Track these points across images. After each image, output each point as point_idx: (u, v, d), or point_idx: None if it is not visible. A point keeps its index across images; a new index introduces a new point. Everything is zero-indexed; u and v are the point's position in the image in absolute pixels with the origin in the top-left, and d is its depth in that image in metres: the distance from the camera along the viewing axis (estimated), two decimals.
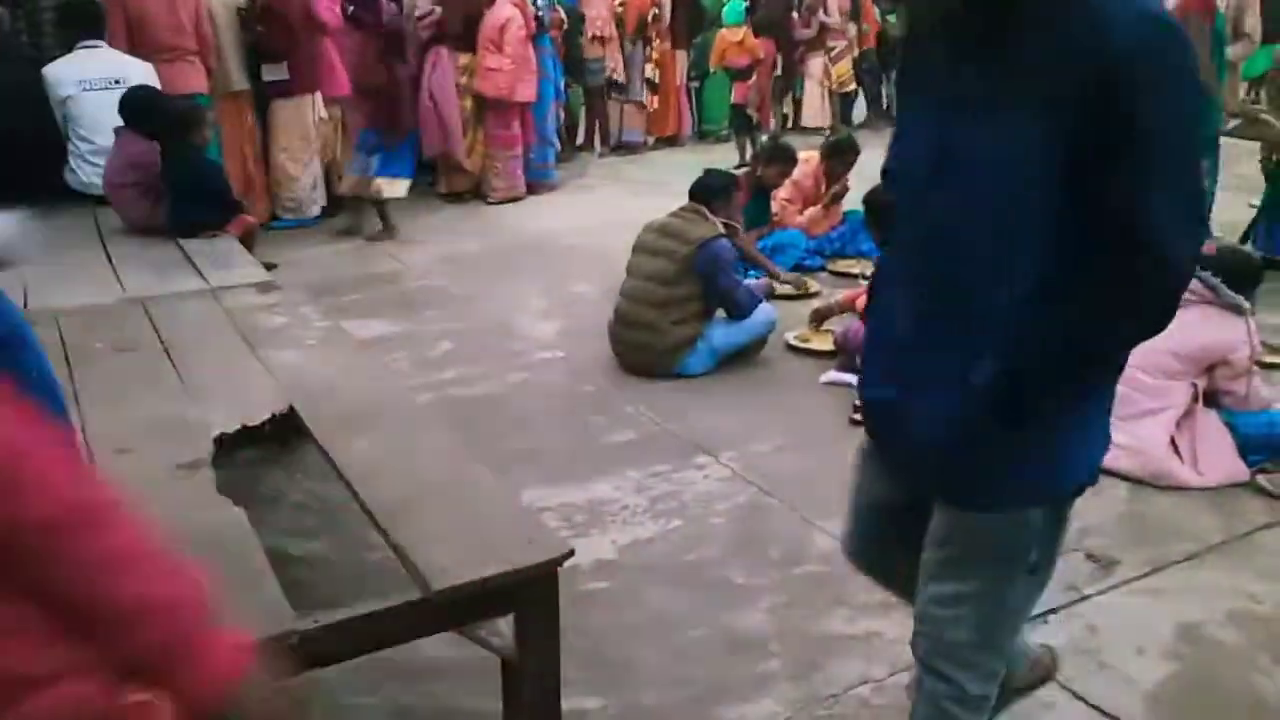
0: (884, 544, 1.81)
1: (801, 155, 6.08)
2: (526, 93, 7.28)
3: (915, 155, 1.51)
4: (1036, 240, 1.38)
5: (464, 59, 7.22)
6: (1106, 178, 1.31)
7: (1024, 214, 1.37)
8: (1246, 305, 3.38)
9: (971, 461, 1.48)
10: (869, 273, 5.28)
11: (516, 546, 1.77)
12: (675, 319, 4.03)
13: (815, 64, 10.42)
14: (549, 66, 7.77)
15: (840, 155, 5.92)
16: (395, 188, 6.36)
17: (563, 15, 8.15)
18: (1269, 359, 4.17)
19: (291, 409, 2.49)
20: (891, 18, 10.51)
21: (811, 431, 3.68)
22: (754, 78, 9.18)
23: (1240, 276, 3.41)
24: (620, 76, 9.13)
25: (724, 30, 9.24)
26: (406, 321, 4.90)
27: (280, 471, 3.19)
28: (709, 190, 4.21)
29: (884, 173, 1.67)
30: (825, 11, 10.21)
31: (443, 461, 2.20)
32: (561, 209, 7.33)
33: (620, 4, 9.12)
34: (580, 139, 9.60)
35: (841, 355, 4.26)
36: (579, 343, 4.55)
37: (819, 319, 4.52)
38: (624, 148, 9.48)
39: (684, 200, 4.27)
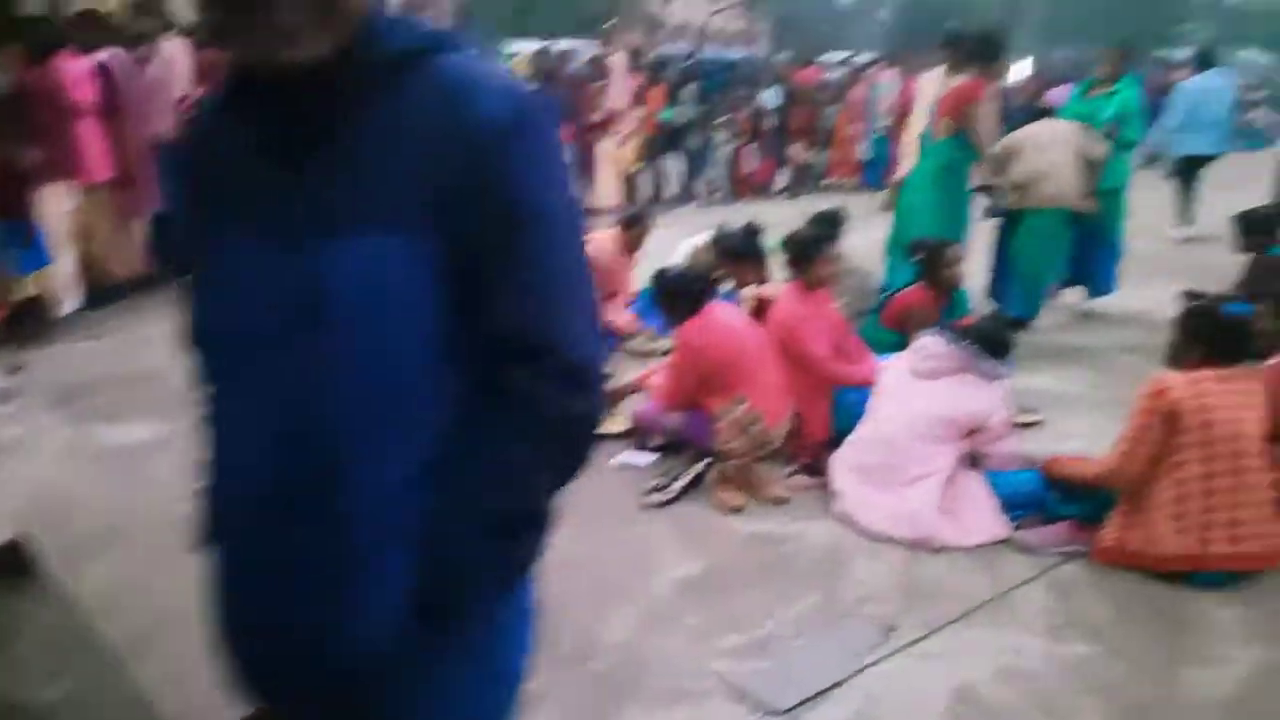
0: None
1: (595, 236, 6.19)
2: None
3: (240, 308, 1.09)
4: (427, 393, 1.07)
5: None
6: (495, 287, 1.05)
7: (406, 364, 1.06)
8: (1001, 371, 3.64)
9: (397, 687, 1.11)
10: (665, 349, 5.38)
11: None
12: None
13: (606, 146, 10.76)
14: None
15: (635, 222, 6.14)
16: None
17: None
18: (1023, 419, 4.51)
19: (14, 541, 2.23)
20: (668, 112, 11.05)
21: (602, 516, 3.63)
22: None
23: (994, 345, 3.67)
24: None
25: None
26: (173, 422, 4.53)
27: (12, 605, 2.84)
28: None
29: (192, 337, 1.20)
30: (610, 98, 10.63)
31: (190, 586, 1.99)
32: None
33: None
34: None
35: (636, 436, 4.28)
36: None
37: (614, 400, 4.53)
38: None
39: None
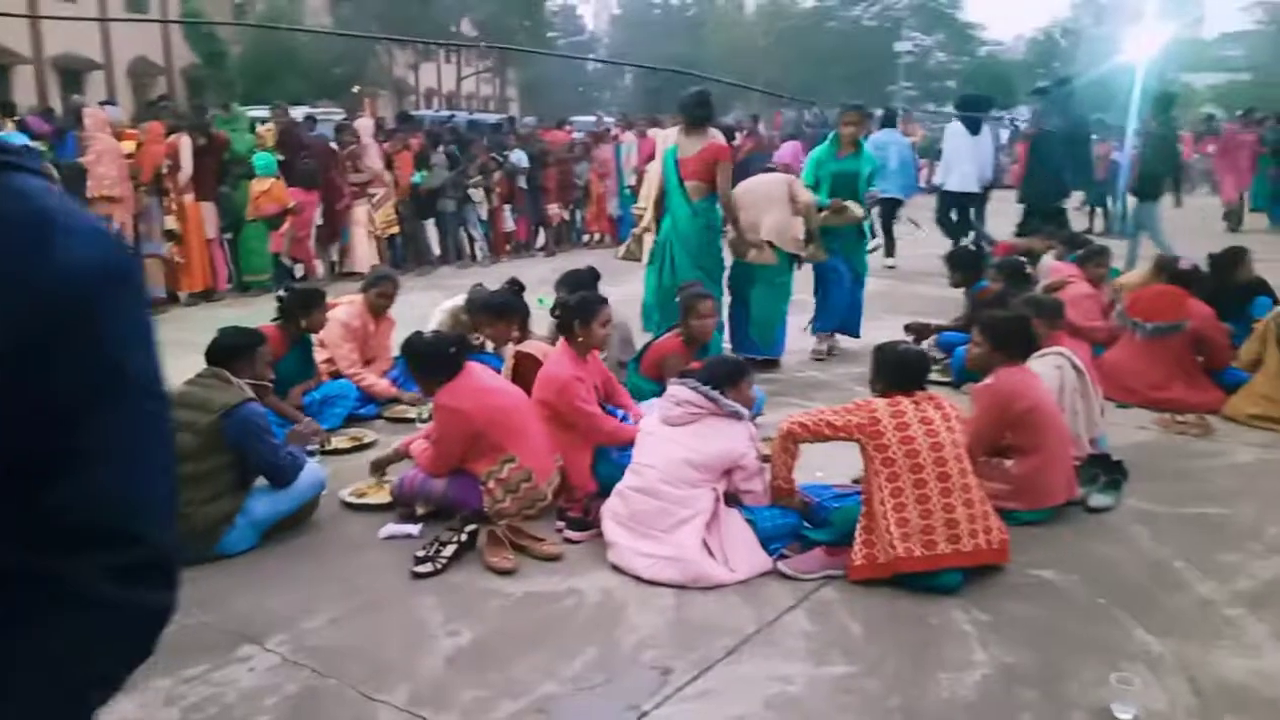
0: None
1: (345, 300, 6.00)
2: None
3: None
4: None
5: None
6: (62, 463, 0.85)
7: None
8: (745, 411, 3.81)
9: None
10: (425, 416, 5.26)
11: None
12: (205, 497, 3.63)
13: (360, 211, 10.52)
14: None
15: (379, 285, 5.99)
16: None
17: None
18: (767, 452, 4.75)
19: None
20: (418, 176, 10.99)
21: (371, 593, 3.48)
22: (285, 226, 9.46)
23: (725, 379, 3.84)
24: (128, 233, 8.45)
25: (254, 180, 9.35)
26: None
27: None
28: (227, 350, 3.91)
29: None
30: (363, 161, 10.43)
31: None
32: None
33: (128, 155, 8.48)
34: None
35: (400, 506, 4.14)
36: None
37: (378, 469, 4.36)
38: (150, 305, 8.69)
39: None
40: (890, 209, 10.71)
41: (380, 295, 5.96)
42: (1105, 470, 4.31)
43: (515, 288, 5.76)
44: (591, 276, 5.63)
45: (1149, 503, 4.23)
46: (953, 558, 3.39)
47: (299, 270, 10.33)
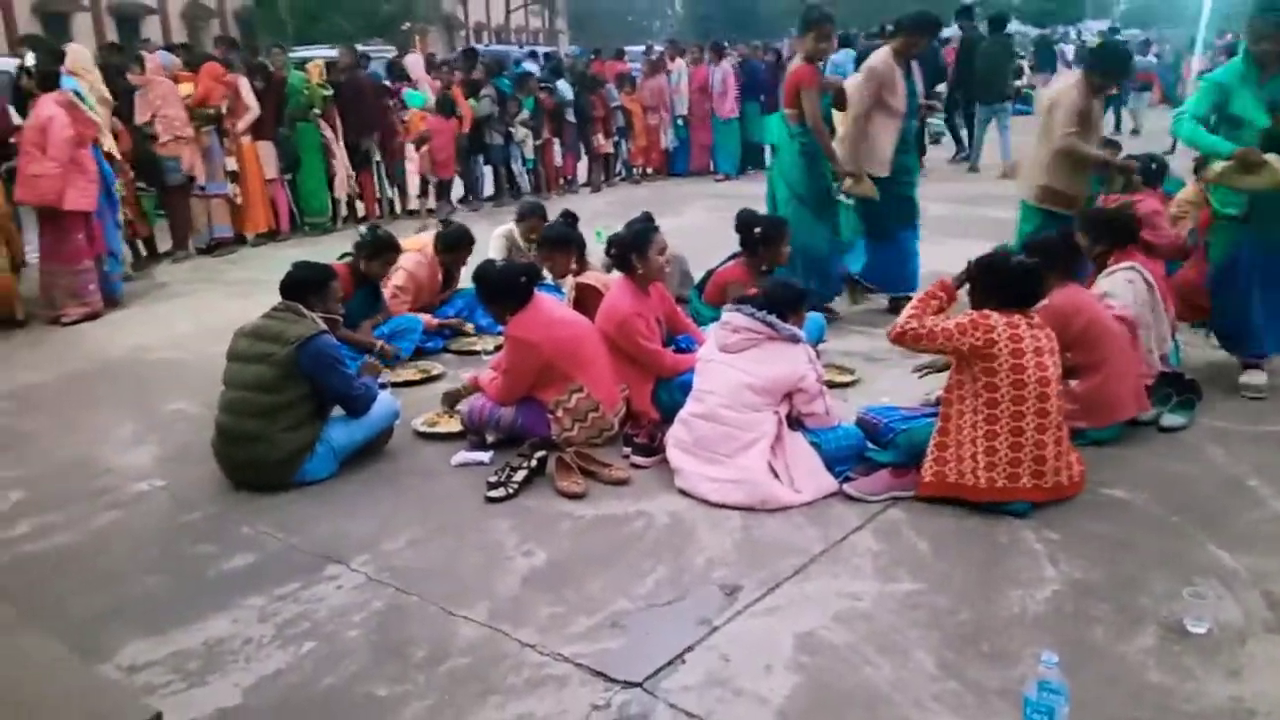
0: None
1: (416, 242, 6.05)
2: (81, 201, 6.51)
3: None
4: None
5: None
6: None
7: None
8: (800, 334, 3.80)
9: None
10: (491, 349, 5.35)
11: None
12: (286, 426, 3.76)
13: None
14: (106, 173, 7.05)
15: (455, 247, 5.99)
16: None
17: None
18: (839, 379, 4.76)
19: None
20: (474, 101, 10.98)
21: (447, 517, 3.59)
22: (424, 148, 10.51)
23: (785, 305, 3.83)
24: (199, 174, 8.60)
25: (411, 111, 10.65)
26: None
27: None
28: (300, 285, 4.00)
29: None
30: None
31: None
32: (153, 320, 6.68)
33: (187, 96, 8.59)
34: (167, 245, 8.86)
35: (470, 434, 4.24)
36: (181, 468, 4.11)
37: (450, 402, 4.46)
38: (219, 246, 8.89)
39: None
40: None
41: (456, 256, 6.00)
42: (1178, 389, 4.24)
43: (569, 219, 5.76)
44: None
45: (1223, 421, 4.17)
46: (1031, 492, 3.37)
47: (360, 209, 10.47)
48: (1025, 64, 18.37)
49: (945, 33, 13.01)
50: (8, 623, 1.97)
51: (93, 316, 6.66)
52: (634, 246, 4.37)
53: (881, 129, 5.80)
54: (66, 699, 1.65)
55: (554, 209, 6.33)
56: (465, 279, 5.67)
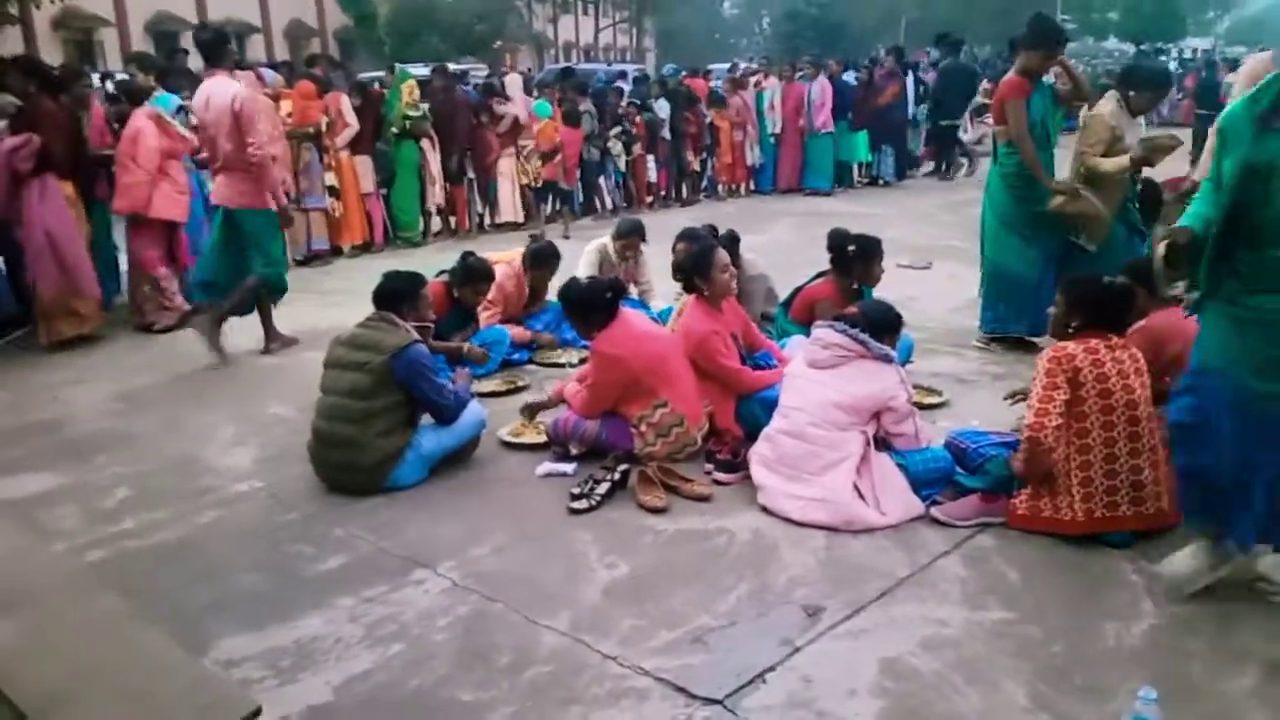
0: None
1: (505, 256, 6.15)
2: (168, 209, 6.80)
3: None
4: None
5: (68, 187, 6.51)
6: None
7: None
8: (893, 354, 3.76)
9: None
10: (575, 362, 5.41)
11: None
12: (379, 431, 3.87)
13: (505, 163, 10.76)
14: (196, 185, 7.35)
15: (543, 263, 6.07)
16: None
17: None
18: (927, 400, 4.68)
19: None
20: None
21: (531, 526, 3.64)
22: (557, 158, 10.81)
23: (882, 327, 3.79)
24: (292, 188, 8.89)
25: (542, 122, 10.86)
26: (73, 471, 4.36)
27: None
28: (394, 295, 4.11)
29: None
30: (510, 117, 10.68)
31: (104, 636, 1.94)
32: (249, 326, 6.91)
33: (288, 114, 8.91)
34: None
35: (555, 446, 4.29)
36: (279, 469, 4.26)
37: (531, 413, 4.53)
38: (316, 258, 9.20)
39: None
40: None
41: (543, 271, 6.05)
42: None
43: (734, 236, 5.57)
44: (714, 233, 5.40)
45: None
46: (1133, 520, 3.27)
47: (452, 222, 10.68)
48: None
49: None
50: (118, 615, 2.06)
51: (182, 322, 6.90)
52: (695, 269, 4.37)
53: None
54: (174, 690, 1.72)
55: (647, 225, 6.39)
56: (553, 292, 5.74)
